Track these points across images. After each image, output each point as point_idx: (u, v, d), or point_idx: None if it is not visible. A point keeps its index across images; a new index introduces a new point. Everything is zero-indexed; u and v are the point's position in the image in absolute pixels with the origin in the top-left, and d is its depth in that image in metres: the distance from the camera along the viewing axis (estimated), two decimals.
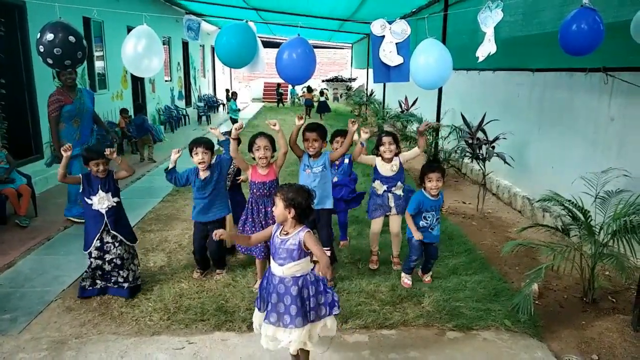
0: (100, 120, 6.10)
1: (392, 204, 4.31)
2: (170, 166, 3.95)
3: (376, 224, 4.40)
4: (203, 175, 3.96)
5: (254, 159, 3.83)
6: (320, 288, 2.74)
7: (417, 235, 3.94)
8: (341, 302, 3.73)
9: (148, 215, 6.00)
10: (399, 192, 4.32)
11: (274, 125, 3.78)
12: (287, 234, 2.69)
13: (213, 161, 4.04)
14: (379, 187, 4.32)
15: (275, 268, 2.70)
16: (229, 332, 3.41)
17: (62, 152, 3.78)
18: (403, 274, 4.16)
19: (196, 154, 3.89)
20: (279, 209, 2.68)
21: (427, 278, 4.19)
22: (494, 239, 5.34)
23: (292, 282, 2.66)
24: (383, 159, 4.29)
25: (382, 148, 4.26)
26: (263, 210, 3.84)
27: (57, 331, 3.43)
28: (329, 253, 4.09)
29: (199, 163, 3.90)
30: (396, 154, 4.29)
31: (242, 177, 4.63)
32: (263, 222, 3.83)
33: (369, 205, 4.45)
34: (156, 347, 3.25)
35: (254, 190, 3.83)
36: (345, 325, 3.48)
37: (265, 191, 3.80)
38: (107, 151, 3.80)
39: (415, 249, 4.05)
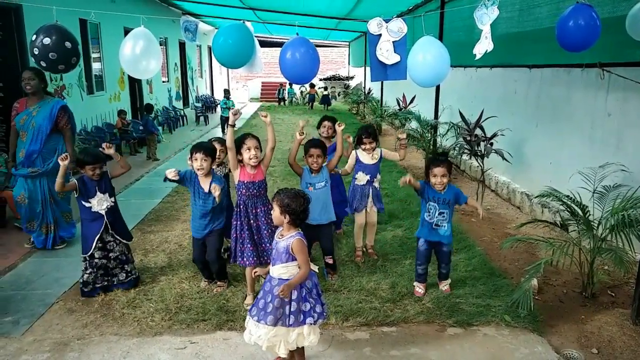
0: (69, 141, 4.87)
1: (371, 197, 4.44)
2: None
3: (360, 218, 4.50)
4: (205, 186, 3.77)
5: (240, 161, 3.69)
6: (303, 294, 2.81)
7: (403, 179, 3.60)
8: (342, 300, 3.77)
9: (148, 216, 6.01)
10: (377, 184, 4.47)
11: (265, 116, 3.71)
12: (282, 236, 2.85)
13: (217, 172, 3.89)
14: (362, 177, 4.41)
15: (270, 266, 2.88)
16: (230, 332, 3.43)
17: (60, 162, 3.69)
18: (415, 282, 3.98)
19: (195, 159, 3.73)
20: (276, 213, 2.84)
21: (444, 287, 3.94)
22: (493, 235, 5.36)
23: (278, 283, 2.80)
24: (364, 150, 4.41)
25: (362, 147, 4.40)
26: (254, 211, 3.73)
27: (60, 333, 3.44)
28: (331, 261, 4.15)
29: (198, 169, 3.75)
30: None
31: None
32: (254, 224, 3.73)
33: (351, 199, 4.54)
34: (158, 347, 3.26)
35: (244, 191, 3.69)
36: (346, 323, 3.50)
37: (255, 191, 3.70)
38: (105, 145, 3.85)
39: (420, 254, 3.84)
